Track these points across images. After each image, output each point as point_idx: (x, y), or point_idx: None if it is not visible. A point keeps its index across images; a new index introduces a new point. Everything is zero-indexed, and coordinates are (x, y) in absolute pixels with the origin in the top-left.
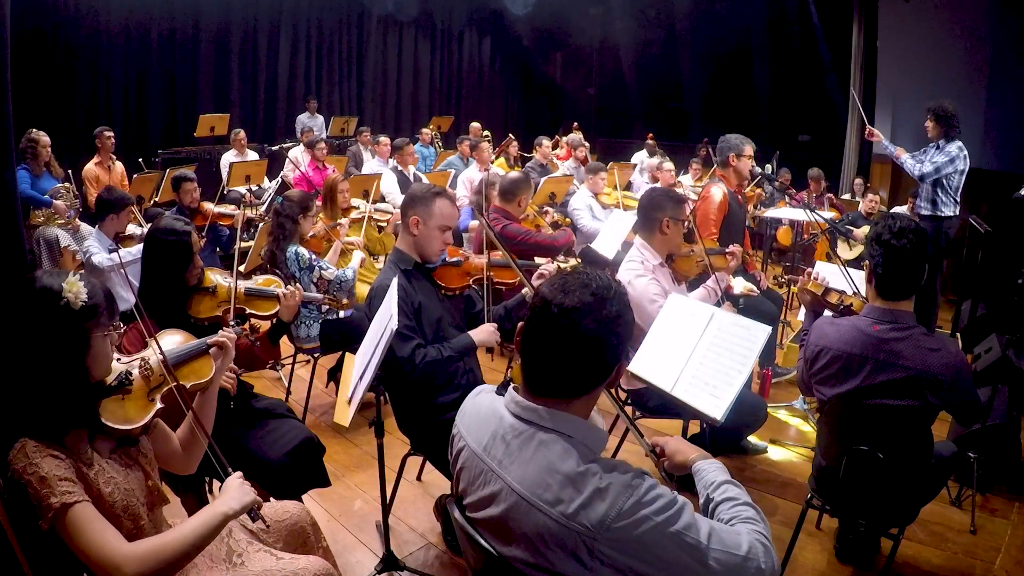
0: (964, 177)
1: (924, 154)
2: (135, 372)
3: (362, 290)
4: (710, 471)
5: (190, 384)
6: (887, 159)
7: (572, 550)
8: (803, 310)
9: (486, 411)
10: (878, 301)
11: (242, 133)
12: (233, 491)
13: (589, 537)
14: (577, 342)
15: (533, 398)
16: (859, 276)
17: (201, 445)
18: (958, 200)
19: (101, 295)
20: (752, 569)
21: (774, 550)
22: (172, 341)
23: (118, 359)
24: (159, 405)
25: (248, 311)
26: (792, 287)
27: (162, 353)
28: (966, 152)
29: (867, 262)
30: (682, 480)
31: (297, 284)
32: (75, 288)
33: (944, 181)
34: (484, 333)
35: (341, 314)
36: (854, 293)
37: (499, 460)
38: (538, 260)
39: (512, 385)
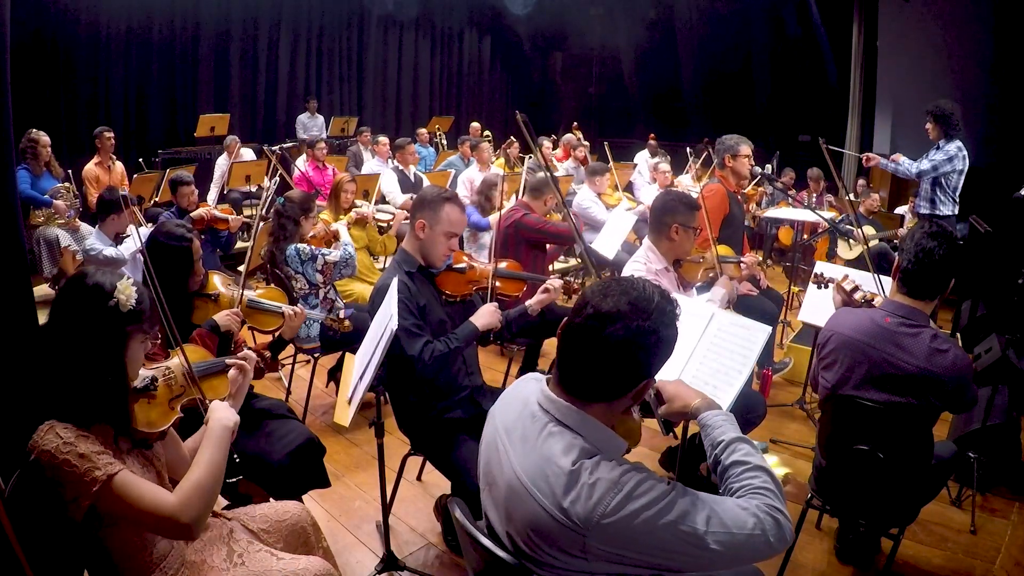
0: (963, 177)
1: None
2: (160, 379)
3: (363, 291)
4: (717, 425)
5: (210, 399)
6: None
7: (563, 543)
8: (803, 310)
9: (521, 395)
10: (898, 296)
11: (236, 140)
12: (222, 409)
13: (578, 533)
14: (601, 347)
15: (559, 392)
16: (853, 273)
17: None
18: (956, 200)
19: (147, 303)
20: (760, 544)
21: (787, 520)
22: (196, 354)
23: (143, 364)
24: (180, 414)
25: (248, 325)
26: (802, 289)
27: (189, 365)
28: (965, 152)
29: (898, 256)
30: (682, 477)
31: (299, 281)
32: (128, 291)
33: (943, 180)
34: (485, 316)
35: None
36: (877, 293)
37: (513, 442)
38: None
39: (547, 376)
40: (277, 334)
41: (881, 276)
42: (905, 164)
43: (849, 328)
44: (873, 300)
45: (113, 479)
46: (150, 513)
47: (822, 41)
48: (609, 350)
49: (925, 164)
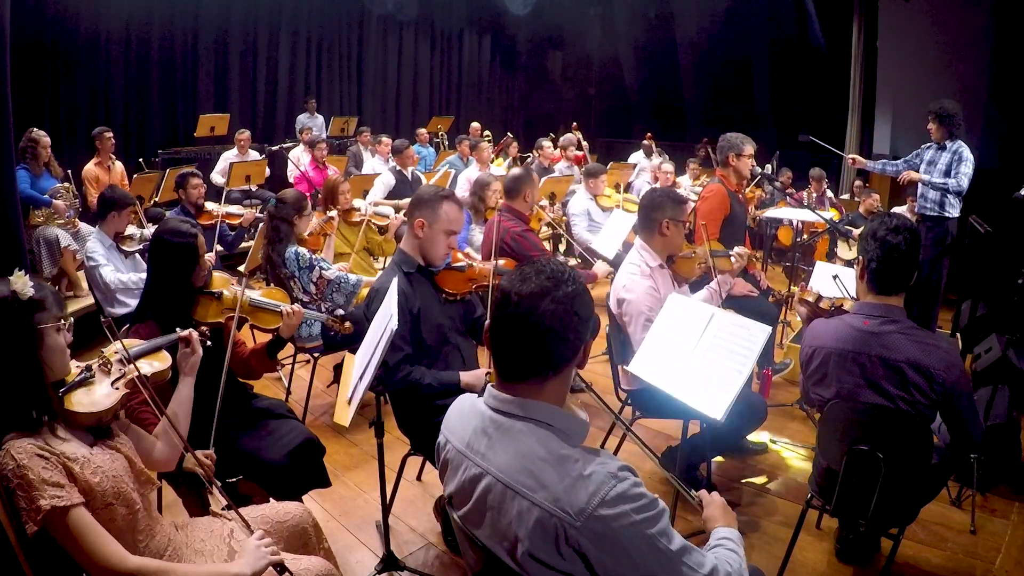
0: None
1: (920, 156)
2: (95, 366)
3: (363, 291)
4: (722, 532)
5: (149, 374)
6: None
7: (552, 537)
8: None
9: (468, 411)
10: (869, 296)
11: (247, 133)
12: (249, 554)
13: (570, 524)
14: (538, 325)
15: (508, 387)
16: (850, 274)
17: (178, 429)
18: (961, 200)
19: (47, 290)
20: None
21: None
22: (132, 343)
23: (77, 365)
24: (124, 391)
25: (251, 322)
26: (788, 302)
27: (126, 349)
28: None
29: (860, 257)
30: (682, 477)
31: (297, 283)
32: (21, 281)
33: None
34: (473, 376)
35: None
36: (843, 296)
37: (482, 454)
38: None
39: (489, 383)
40: (275, 334)
41: (845, 269)
42: (951, 185)
43: (832, 340)
44: (842, 305)
45: (67, 513)
46: (98, 563)
47: (822, 41)
48: (546, 325)
49: (964, 180)
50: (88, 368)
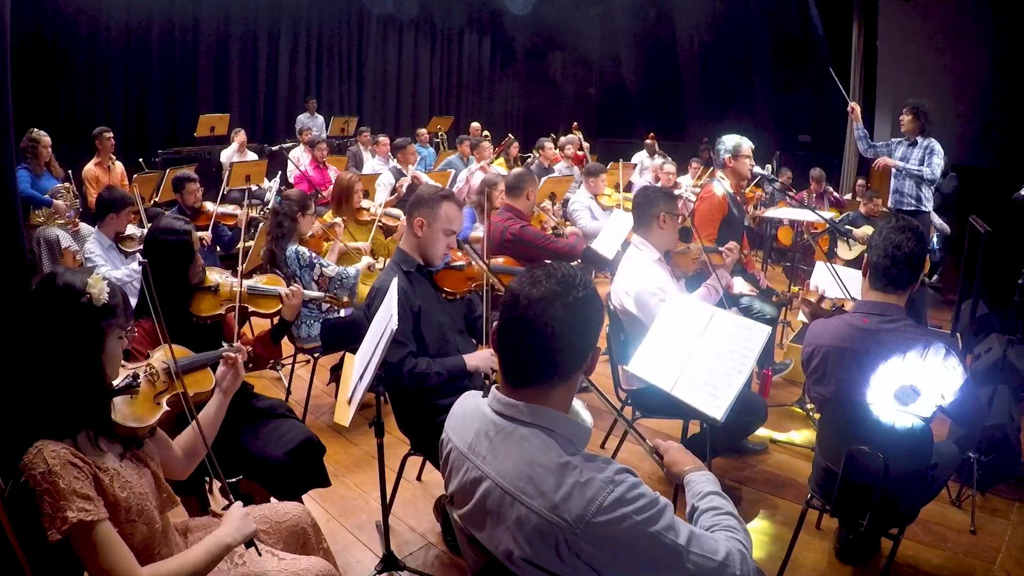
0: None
1: (889, 147)
2: (141, 376)
3: (363, 290)
4: (699, 482)
5: (193, 392)
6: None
7: (552, 543)
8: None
9: (471, 411)
10: (870, 294)
11: (242, 133)
12: (235, 521)
13: (569, 531)
14: (547, 330)
15: (513, 392)
16: (852, 274)
17: (201, 450)
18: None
19: (120, 297)
20: (727, 575)
21: (751, 559)
22: (179, 353)
23: (123, 365)
24: (166, 408)
25: (251, 309)
26: (791, 304)
27: (175, 359)
28: None
29: (866, 255)
30: None
31: (298, 283)
32: (99, 285)
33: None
34: (479, 359)
35: (342, 312)
36: (845, 297)
37: (483, 456)
38: None
39: (495, 385)
40: (278, 319)
41: (844, 269)
42: (925, 172)
43: (830, 338)
44: (843, 306)
45: (93, 529)
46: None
47: (822, 41)
48: (556, 330)
49: (937, 171)
50: (135, 376)
